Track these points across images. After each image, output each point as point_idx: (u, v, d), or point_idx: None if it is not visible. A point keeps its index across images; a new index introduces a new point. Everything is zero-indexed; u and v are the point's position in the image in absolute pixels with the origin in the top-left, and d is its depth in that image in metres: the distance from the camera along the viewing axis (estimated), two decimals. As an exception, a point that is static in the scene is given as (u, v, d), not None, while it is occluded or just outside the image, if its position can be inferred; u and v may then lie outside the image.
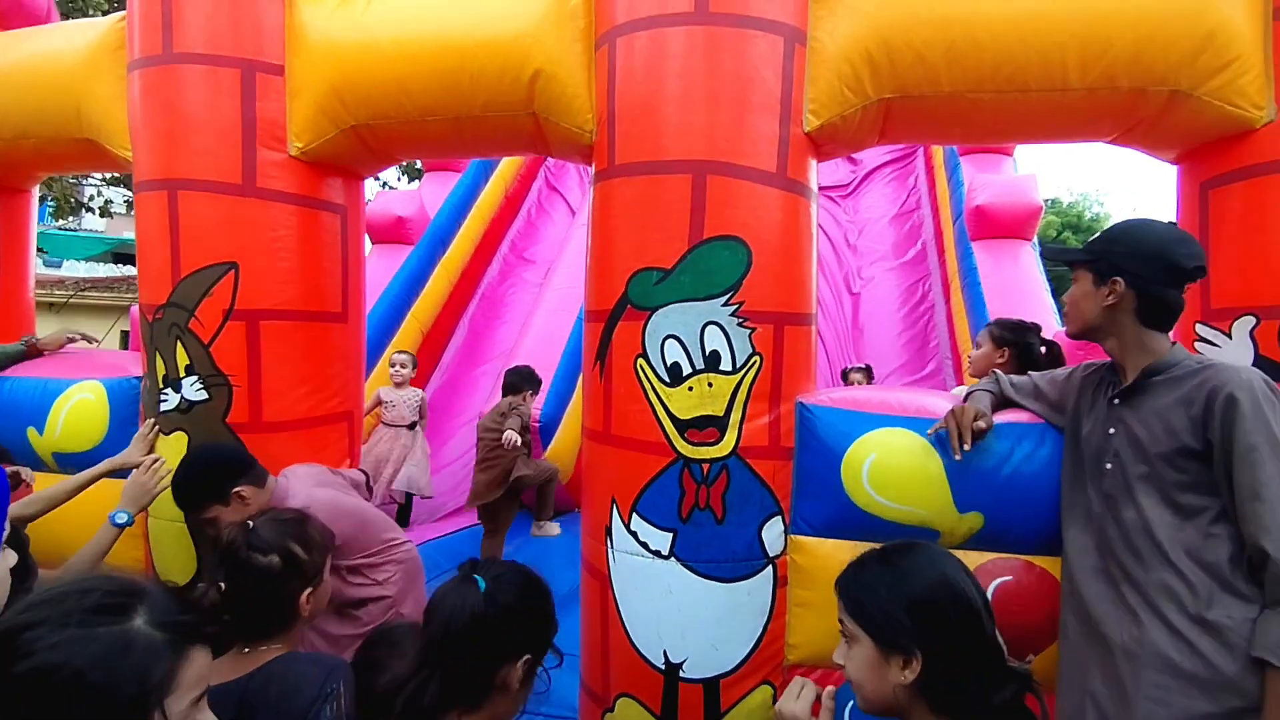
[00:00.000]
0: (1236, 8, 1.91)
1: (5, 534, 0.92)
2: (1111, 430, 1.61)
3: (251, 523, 1.55)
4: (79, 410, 2.59)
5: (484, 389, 5.88)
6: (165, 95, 2.25)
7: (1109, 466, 1.61)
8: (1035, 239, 5.35)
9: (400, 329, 5.49)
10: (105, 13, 9.67)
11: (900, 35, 1.98)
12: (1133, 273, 1.55)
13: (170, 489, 2.02)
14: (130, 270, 15.55)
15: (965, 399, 1.99)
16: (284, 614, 1.47)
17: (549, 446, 4.79)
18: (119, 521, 1.91)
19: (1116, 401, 1.62)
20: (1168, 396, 1.52)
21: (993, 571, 1.91)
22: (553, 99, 2.14)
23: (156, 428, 2.34)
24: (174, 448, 2.29)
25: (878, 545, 1.19)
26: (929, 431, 1.89)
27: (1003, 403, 1.96)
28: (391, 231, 5.98)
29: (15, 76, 2.62)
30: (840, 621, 1.15)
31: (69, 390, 2.62)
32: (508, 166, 6.91)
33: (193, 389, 2.27)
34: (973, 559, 1.92)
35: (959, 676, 1.06)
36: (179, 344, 2.27)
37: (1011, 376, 2.01)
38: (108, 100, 2.43)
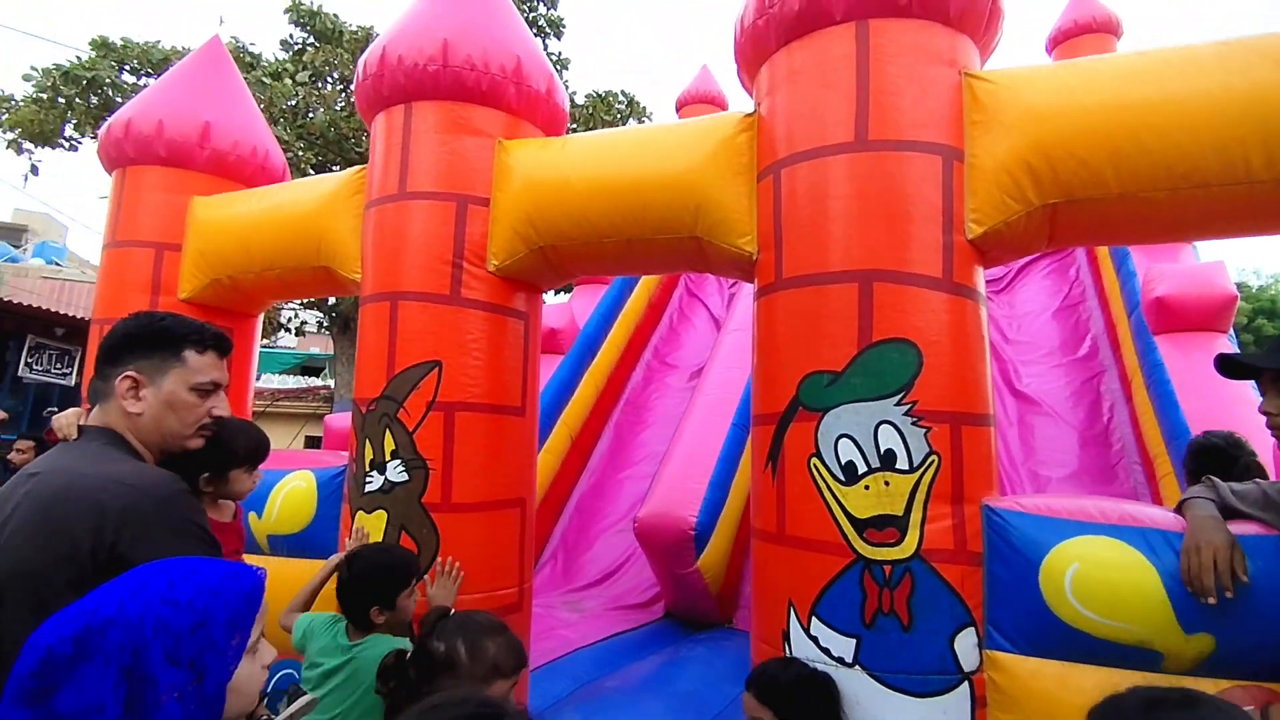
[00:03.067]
0: None
1: (260, 634, 0.99)
2: None
3: (453, 609, 1.67)
4: (293, 496, 2.96)
5: (629, 493, 5.88)
6: (396, 225, 2.68)
7: None
8: (1231, 331, 4.78)
9: (551, 434, 5.74)
10: (317, 170, 11.64)
11: (1059, 146, 2.00)
12: None
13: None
14: (315, 381, 17.57)
15: (1179, 507, 1.81)
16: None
17: (702, 554, 4.63)
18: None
19: None
20: None
21: (1234, 702, 1.66)
22: (715, 223, 2.38)
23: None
24: (374, 525, 2.56)
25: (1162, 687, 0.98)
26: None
27: (1225, 512, 1.77)
28: (545, 342, 6.36)
29: (269, 220, 3.23)
30: None
31: (285, 479, 3.00)
32: (651, 277, 7.27)
33: (396, 471, 2.55)
34: (1207, 687, 1.69)
35: None
36: (387, 432, 2.57)
37: (1232, 484, 1.82)
38: (344, 233, 2.94)
